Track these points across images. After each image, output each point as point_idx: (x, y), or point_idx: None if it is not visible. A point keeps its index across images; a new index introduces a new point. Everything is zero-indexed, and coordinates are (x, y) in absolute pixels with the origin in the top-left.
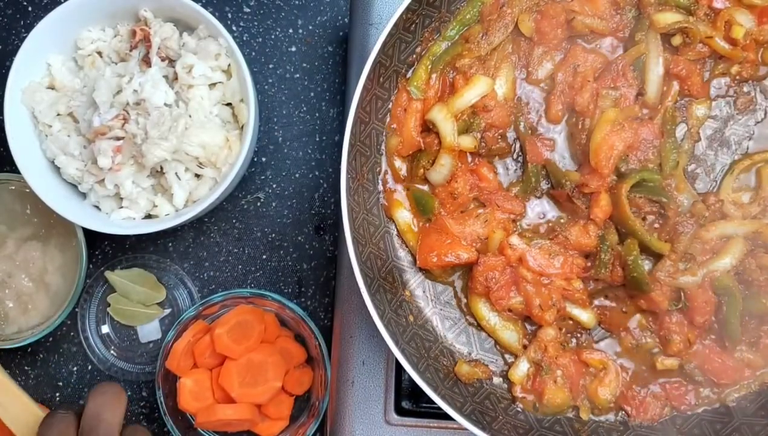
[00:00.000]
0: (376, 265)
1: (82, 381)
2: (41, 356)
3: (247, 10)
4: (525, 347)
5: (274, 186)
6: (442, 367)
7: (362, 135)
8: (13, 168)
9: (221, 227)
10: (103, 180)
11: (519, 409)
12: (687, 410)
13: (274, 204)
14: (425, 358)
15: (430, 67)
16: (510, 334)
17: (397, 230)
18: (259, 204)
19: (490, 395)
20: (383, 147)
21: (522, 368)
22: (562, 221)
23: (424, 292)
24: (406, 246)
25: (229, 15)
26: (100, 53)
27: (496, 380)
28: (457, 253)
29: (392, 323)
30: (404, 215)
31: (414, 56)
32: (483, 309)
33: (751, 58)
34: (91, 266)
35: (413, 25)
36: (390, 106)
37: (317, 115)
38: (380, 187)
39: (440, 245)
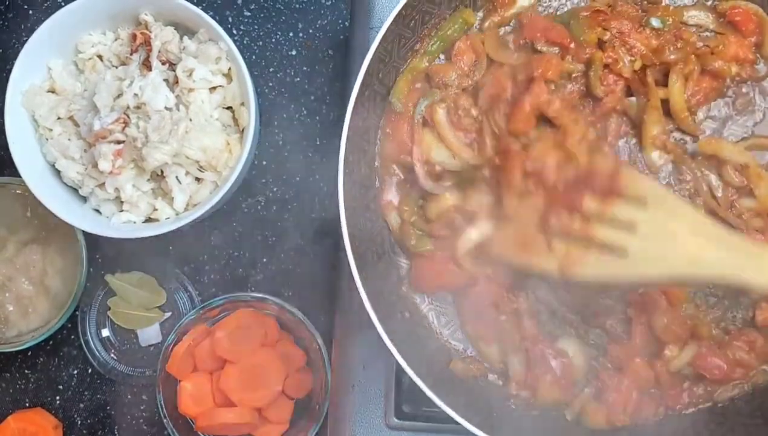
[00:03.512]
0: (372, 260)
1: (82, 384)
2: (41, 359)
3: (248, 13)
4: (503, 363)
5: (275, 189)
6: (438, 363)
7: (360, 130)
8: (13, 171)
9: (222, 231)
10: (103, 184)
11: (513, 406)
12: (681, 409)
13: (274, 207)
14: (420, 354)
15: (411, 79)
16: (493, 348)
17: (390, 231)
18: (259, 207)
19: (485, 392)
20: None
21: (515, 365)
22: None
23: None
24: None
25: (230, 19)
26: (100, 57)
27: (491, 377)
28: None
29: (388, 319)
30: (398, 219)
31: (412, 53)
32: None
33: (750, 59)
34: (91, 269)
35: (413, 21)
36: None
37: (317, 118)
38: (377, 184)
39: (432, 273)
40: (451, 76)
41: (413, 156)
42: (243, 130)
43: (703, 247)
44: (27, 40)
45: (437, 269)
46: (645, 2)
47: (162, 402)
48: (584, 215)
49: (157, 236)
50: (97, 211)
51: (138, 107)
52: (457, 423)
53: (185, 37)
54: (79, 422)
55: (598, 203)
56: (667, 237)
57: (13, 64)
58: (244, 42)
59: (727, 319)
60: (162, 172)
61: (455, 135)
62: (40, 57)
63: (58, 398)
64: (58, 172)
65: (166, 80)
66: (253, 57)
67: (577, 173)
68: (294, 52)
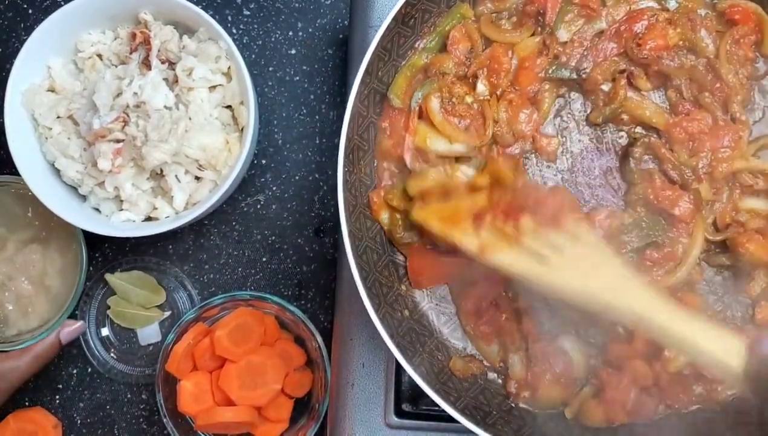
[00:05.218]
0: (372, 258)
1: (81, 384)
2: None
3: (247, 12)
4: (503, 361)
5: (274, 188)
6: (437, 361)
7: (360, 129)
8: (13, 171)
9: (221, 230)
10: (103, 182)
11: (513, 405)
12: (681, 408)
13: (274, 206)
14: (420, 352)
15: (410, 76)
16: (493, 347)
17: (384, 232)
18: (259, 206)
19: (485, 390)
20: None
21: (516, 363)
22: None
23: None
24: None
25: (229, 18)
26: (100, 56)
27: (491, 375)
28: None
29: (387, 317)
30: (387, 215)
31: (411, 50)
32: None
33: (749, 56)
34: (91, 268)
35: (412, 20)
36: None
37: (317, 117)
38: (377, 182)
39: (425, 266)
40: (447, 65)
41: (405, 145)
42: (242, 129)
43: (618, 294)
44: (26, 39)
45: (429, 262)
46: None
47: (161, 401)
48: (518, 227)
49: (156, 235)
50: (97, 210)
51: (137, 106)
52: (456, 422)
53: (185, 36)
54: (79, 421)
55: (534, 225)
56: (589, 267)
57: (12, 64)
58: (244, 41)
59: (726, 317)
60: (161, 171)
61: (449, 120)
62: (39, 56)
63: (57, 397)
64: (57, 171)
65: (165, 79)
66: (253, 56)
67: (524, 199)
68: (293, 51)
